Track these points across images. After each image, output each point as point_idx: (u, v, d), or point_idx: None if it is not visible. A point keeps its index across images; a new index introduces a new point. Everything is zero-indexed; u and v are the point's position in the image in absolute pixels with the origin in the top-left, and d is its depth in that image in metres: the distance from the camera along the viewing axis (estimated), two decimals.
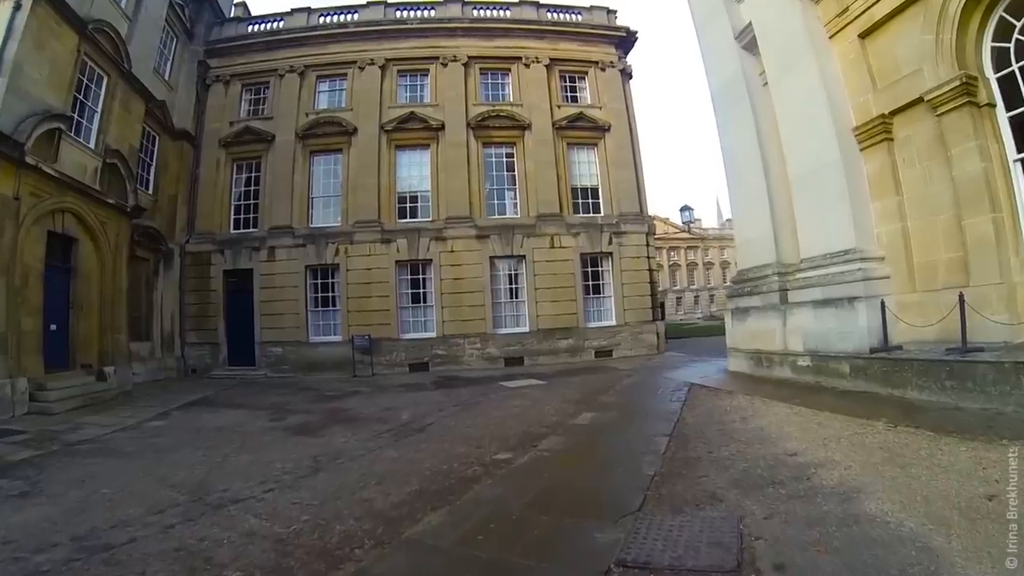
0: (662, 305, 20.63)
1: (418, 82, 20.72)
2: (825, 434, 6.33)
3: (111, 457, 7.45)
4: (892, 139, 9.39)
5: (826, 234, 9.86)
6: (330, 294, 18.84)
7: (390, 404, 11.17)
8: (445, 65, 20.25)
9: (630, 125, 20.89)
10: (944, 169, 8.48)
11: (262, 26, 21.37)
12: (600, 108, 20.70)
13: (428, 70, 20.51)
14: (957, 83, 8.06)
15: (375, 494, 5.20)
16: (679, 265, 79.78)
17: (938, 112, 8.44)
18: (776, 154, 11.42)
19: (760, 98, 11.96)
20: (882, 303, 8.79)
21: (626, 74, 21.61)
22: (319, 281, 18.91)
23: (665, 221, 71.23)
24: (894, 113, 9.26)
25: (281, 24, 21.17)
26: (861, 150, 9.80)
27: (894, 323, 8.79)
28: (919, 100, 8.70)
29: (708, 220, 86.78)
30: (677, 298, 76.11)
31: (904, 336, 8.76)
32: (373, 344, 17.50)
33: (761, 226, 11.64)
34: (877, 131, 9.49)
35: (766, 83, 11.72)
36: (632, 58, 22.05)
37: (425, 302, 18.77)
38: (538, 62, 20.57)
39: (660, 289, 22.86)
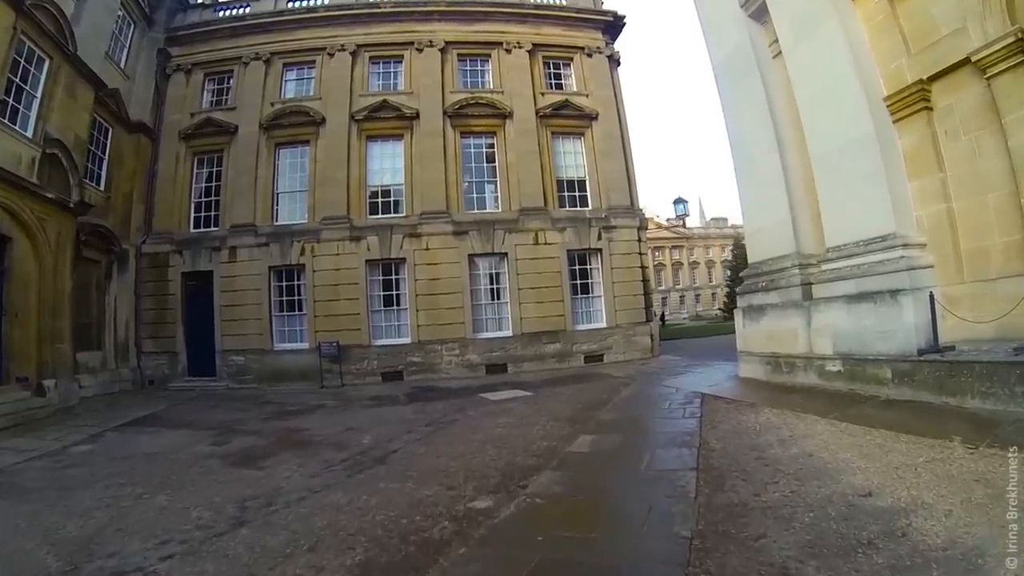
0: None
1: (391, 69, 19.26)
2: (893, 461, 5.00)
3: (4, 497, 6.00)
4: (931, 108, 8.19)
5: (859, 219, 8.56)
6: (296, 297, 17.28)
7: (353, 423, 9.65)
8: (420, 51, 18.82)
9: (618, 113, 19.54)
10: (996, 140, 7.29)
11: (227, 12, 19.86)
12: (586, 95, 19.33)
13: (402, 56, 19.06)
14: (1011, 40, 6.88)
15: (302, 569, 3.71)
16: (664, 265, 78.89)
17: (987, 75, 7.26)
18: (791, 132, 10.18)
19: (770, 71, 10.74)
20: (931, 296, 7.49)
21: (614, 60, 20.27)
22: (284, 284, 17.36)
23: (651, 219, 70.35)
24: (933, 79, 8.04)
25: (247, 10, 19.66)
26: (894, 122, 8.60)
27: (941, 319, 7.51)
28: (964, 62, 7.52)
29: (691, 219, 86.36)
30: (663, 298, 75.13)
31: (952, 334, 7.51)
32: (342, 352, 15.99)
33: (776, 212, 10.31)
34: (913, 100, 8.28)
35: (777, 54, 10.49)
36: (619, 46, 20.78)
37: (398, 305, 17.22)
38: (520, 47, 19.19)
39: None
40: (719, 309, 65.86)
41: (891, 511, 3.92)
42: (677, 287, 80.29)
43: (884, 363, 7.80)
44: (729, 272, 61.96)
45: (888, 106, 8.57)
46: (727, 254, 71.99)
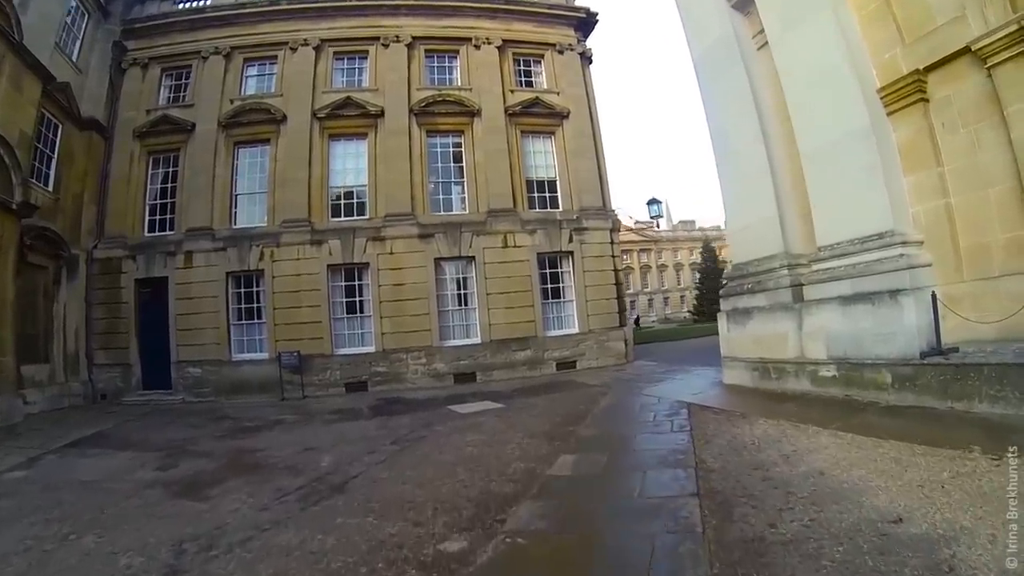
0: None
1: (356, 65, 18.49)
2: (915, 478, 4.49)
3: None
4: (927, 100, 7.86)
5: (853, 216, 8.14)
6: (255, 305, 16.32)
7: (312, 441, 8.84)
8: (387, 46, 18.11)
9: (591, 111, 19.07)
10: (998, 132, 6.97)
11: (186, 4, 18.89)
12: (558, 93, 18.82)
13: (367, 52, 18.32)
14: (1014, 28, 6.58)
15: None
16: (632, 268, 78.90)
17: (988, 64, 6.96)
18: (777, 126, 9.79)
19: (755, 63, 10.34)
20: (933, 296, 7.08)
21: (586, 58, 19.83)
22: (242, 290, 16.40)
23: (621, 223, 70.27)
24: (929, 70, 7.71)
25: (208, 2, 18.74)
26: (888, 115, 8.25)
27: (942, 320, 7.12)
28: (962, 52, 7.22)
29: (660, 222, 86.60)
30: (631, 301, 75.10)
31: (954, 336, 7.13)
32: (304, 362, 15.12)
33: (763, 209, 9.84)
34: (909, 91, 7.94)
35: (762, 46, 10.13)
36: (591, 43, 20.29)
37: (362, 312, 16.39)
38: (489, 43, 18.59)
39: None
40: (688, 311, 66.22)
41: (929, 540, 3.40)
42: (646, 290, 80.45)
43: (883, 367, 7.37)
44: (698, 275, 62.44)
45: (882, 98, 8.22)
46: (695, 257, 72.43)
